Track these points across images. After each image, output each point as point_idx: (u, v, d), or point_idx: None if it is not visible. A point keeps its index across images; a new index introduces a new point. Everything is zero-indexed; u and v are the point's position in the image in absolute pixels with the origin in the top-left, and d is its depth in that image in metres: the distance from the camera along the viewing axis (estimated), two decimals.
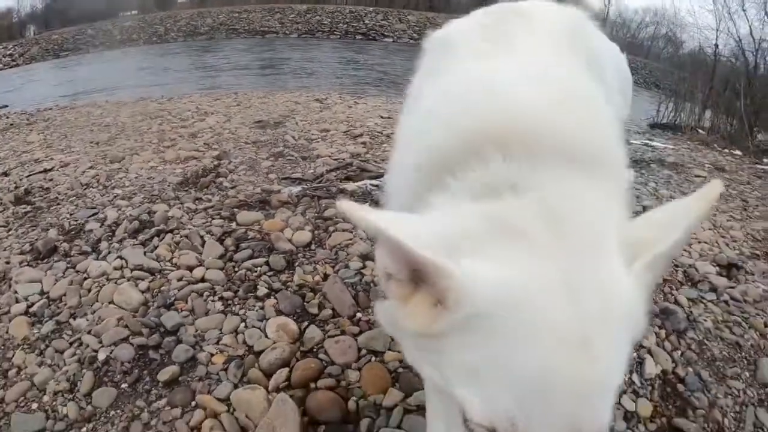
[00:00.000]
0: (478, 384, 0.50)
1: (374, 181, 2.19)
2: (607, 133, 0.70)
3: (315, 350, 1.22)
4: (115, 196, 2.22)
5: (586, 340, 0.47)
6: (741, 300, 1.77)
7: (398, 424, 1.05)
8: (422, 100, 0.80)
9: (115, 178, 2.46)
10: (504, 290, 0.47)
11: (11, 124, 4.53)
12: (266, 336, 1.26)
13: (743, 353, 1.47)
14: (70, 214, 2.13)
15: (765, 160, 4.76)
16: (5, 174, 2.93)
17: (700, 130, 6.29)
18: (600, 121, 0.71)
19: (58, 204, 2.31)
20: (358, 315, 1.36)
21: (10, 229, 2.13)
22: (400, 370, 1.16)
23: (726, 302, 1.71)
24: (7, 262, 1.81)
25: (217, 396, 1.09)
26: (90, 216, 2.05)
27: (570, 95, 0.69)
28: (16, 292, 1.61)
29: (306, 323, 1.31)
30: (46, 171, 2.87)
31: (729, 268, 2.01)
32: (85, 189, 2.41)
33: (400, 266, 0.52)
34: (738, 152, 4.95)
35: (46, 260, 1.79)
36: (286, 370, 1.14)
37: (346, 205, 0.48)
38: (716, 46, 7.20)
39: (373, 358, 1.20)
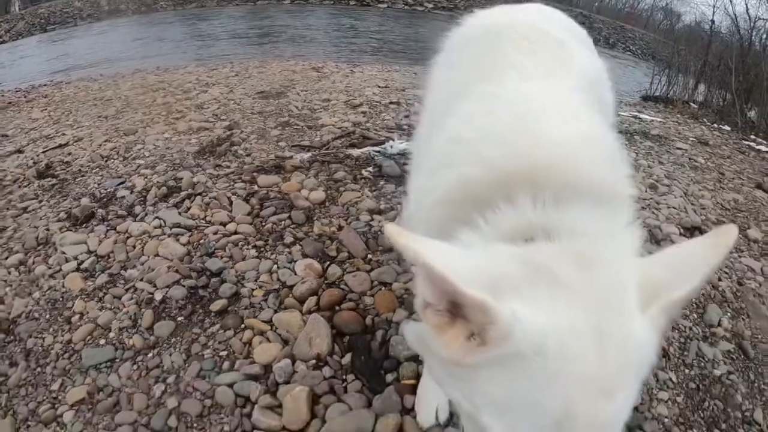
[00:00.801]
0: (503, 415, 0.54)
1: (376, 148, 2.44)
2: (620, 166, 0.74)
3: (337, 283, 1.51)
4: (138, 166, 2.46)
5: (608, 389, 0.51)
6: None
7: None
8: (452, 120, 0.78)
9: (134, 150, 2.69)
10: (542, 336, 0.51)
11: (9, 102, 4.65)
12: (295, 273, 1.54)
13: (695, 300, 1.76)
14: (98, 184, 2.37)
15: (752, 136, 4.98)
16: (19, 151, 3.12)
17: (693, 104, 6.46)
18: (615, 157, 0.74)
19: (83, 176, 2.54)
20: (369, 256, 1.64)
21: (41, 201, 2.36)
22: (405, 295, 1.46)
23: None
24: (47, 229, 2.05)
25: (261, 319, 1.38)
26: (118, 185, 2.29)
27: (593, 134, 0.73)
28: (63, 252, 1.86)
29: (327, 263, 1.59)
30: (61, 146, 3.07)
31: (692, 231, 2.30)
32: (106, 161, 2.64)
33: (441, 298, 0.54)
34: (726, 127, 5.13)
35: (85, 225, 2.04)
36: (315, 297, 1.43)
37: (392, 230, 0.51)
38: (712, 21, 7.31)
39: (383, 288, 1.49)
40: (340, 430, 1.08)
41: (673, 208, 2.40)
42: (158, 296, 1.51)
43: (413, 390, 1.17)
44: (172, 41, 6.41)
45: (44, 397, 1.32)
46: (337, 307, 1.40)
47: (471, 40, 0.97)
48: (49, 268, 1.78)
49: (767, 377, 1.52)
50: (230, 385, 1.21)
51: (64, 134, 3.27)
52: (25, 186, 2.55)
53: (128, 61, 6.01)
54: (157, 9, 8.20)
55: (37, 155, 2.95)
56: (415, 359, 1.24)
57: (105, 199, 2.18)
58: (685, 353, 1.54)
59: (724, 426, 1.34)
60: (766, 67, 6.03)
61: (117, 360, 1.36)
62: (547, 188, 0.61)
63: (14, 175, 2.71)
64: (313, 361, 1.24)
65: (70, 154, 2.87)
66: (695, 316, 1.69)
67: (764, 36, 6.76)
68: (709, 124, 5.10)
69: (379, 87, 3.60)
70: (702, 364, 1.50)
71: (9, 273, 1.82)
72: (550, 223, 0.60)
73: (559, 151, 0.65)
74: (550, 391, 0.51)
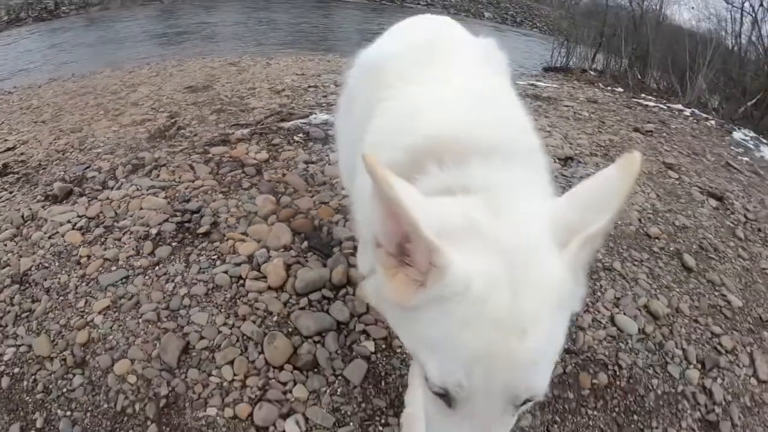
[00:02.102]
0: (436, 353, 0.63)
1: (302, 120, 2.99)
2: (522, 128, 0.89)
3: (289, 205, 2.07)
4: (97, 154, 2.80)
5: (521, 328, 0.59)
6: (569, 176, 2.83)
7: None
8: (371, 130, 0.93)
9: (88, 142, 3.01)
10: (468, 279, 0.59)
11: None
12: (256, 205, 2.08)
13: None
14: (64, 171, 2.68)
15: (642, 95, 5.91)
16: None
17: (591, 72, 7.40)
18: (514, 119, 0.90)
19: (45, 168, 2.82)
20: (309, 189, 2.22)
21: (11, 192, 2.62)
22: (339, 207, 2.05)
23: (556, 178, 2.72)
24: (30, 209, 2.38)
25: (239, 232, 1.91)
26: (85, 169, 2.63)
27: (486, 104, 0.89)
28: (54, 220, 2.23)
29: (279, 196, 2.14)
30: (9, 149, 3.27)
31: (566, 160, 3.08)
32: (64, 154, 2.93)
33: (391, 239, 0.64)
34: (620, 89, 5.86)
35: (65, 201, 2.40)
36: (274, 215, 1.99)
37: (372, 160, 0.58)
38: None
39: (323, 204, 2.08)
40: (308, 279, 1.66)
41: (551, 146, 3.14)
42: (153, 231, 1.97)
43: (353, 254, 1.78)
44: (83, 47, 6.37)
45: (72, 314, 1.73)
46: (291, 219, 1.97)
47: (375, 68, 1.09)
48: (45, 233, 2.14)
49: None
50: (225, 272, 1.74)
51: (6, 140, 3.44)
52: None
53: (39, 71, 5.95)
54: (59, 15, 7.95)
55: None
56: (351, 239, 1.85)
57: (77, 180, 2.53)
58: None
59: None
60: (651, 35, 7.06)
61: (130, 276, 1.81)
62: (448, 155, 0.74)
63: None
64: (282, 249, 1.80)
65: (22, 154, 3.10)
66: None
67: (653, 7, 7.82)
68: (603, 87, 5.81)
69: (296, 75, 4.11)
70: None
71: (6, 245, 2.16)
72: (461, 180, 0.71)
73: (455, 127, 0.79)
74: (469, 331, 0.59)
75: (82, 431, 1.38)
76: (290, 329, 1.52)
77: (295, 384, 1.38)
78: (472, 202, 0.66)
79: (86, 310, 1.71)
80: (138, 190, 2.27)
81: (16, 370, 1.59)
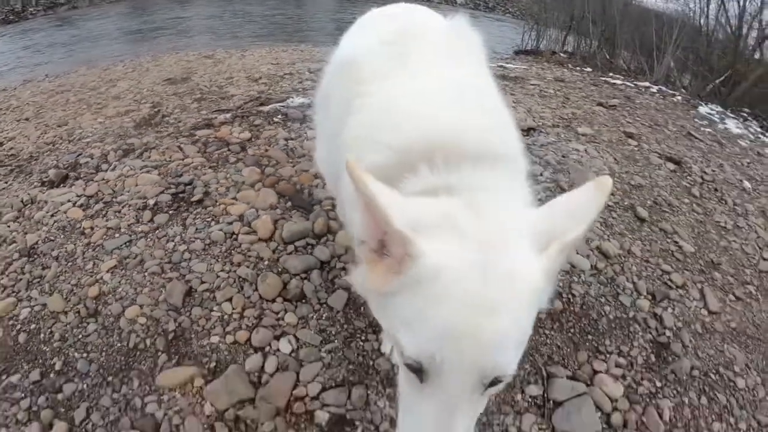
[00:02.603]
0: (410, 330, 0.74)
1: (280, 104, 3.28)
2: (507, 132, 0.99)
3: (272, 174, 2.36)
4: (87, 143, 3.06)
5: (489, 309, 0.70)
6: (531, 144, 3.15)
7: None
8: (349, 128, 1.00)
9: (76, 134, 3.26)
10: (438, 264, 0.71)
11: None
12: (243, 176, 2.36)
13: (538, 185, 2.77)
14: (57, 160, 2.92)
15: (610, 74, 6.27)
16: None
17: (561, 54, 7.78)
18: (502, 123, 1.00)
19: (37, 159, 3.06)
20: (290, 161, 2.51)
21: (7, 182, 2.84)
22: (318, 174, 2.35)
23: (528, 147, 3.03)
24: (28, 194, 2.63)
25: (229, 197, 2.19)
26: (77, 156, 2.90)
27: (472, 105, 0.96)
28: (53, 201, 2.49)
29: (263, 167, 2.43)
30: (2, 144, 3.52)
31: (528, 131, 3.41)
32: (54, 145, 3.18)
33: (373, 237, 0.76)
34: (588, 69, 6.22)
35: (62, 185, 2.65)
36: (260, 183, 2.28)
37: (353, 164, 0.69)
38: None
39: (304, 172, 2.38)
40: (293, 230, 1.95)
41: (516, 119, 3.47)
42: (150, 202, 2.24)
43: (332, 209, 2.07)
44: (56, 47, 6.57)
45: (81, 275, 1.99)
46: (276, 185, 2.26)
47: (350, 66, 1.15)
48: (47, 212, 2.39)
49: None
50: (219, 230, 2.02)
51: None
52: None
53: (12, 73, 6.14)
54: (26, 17, 8.12)
55: None
56: (330, 198, 2.14)
57: (71, 167, 2.78)
58: None
59: None
60: (619, 16, 7.41)
61: (133, 240, 2.08)
62: (440, 160, 0.83)
63: None
64: (269, 208, 2.09)
65: (12, 149, 3.33)
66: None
67: None
68: (572, 68, 6.17)
69: (272, 64, 4.40)
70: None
71: (9, 225, 2.40)
72: (448, 182, 0.80)
73: (442, 128, 0.87)
74: (440, 309, 0.70)
75: (99, 368, 1.64)
76: (280, 269, 1.81)
77: (286, 312, 1.67)
78: (455, 202, 0.77)
79: (95, 271, 1.98)
80: (132, 170, 2.54)
81: (33, 326, 1.84)
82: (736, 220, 3.02)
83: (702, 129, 4.48)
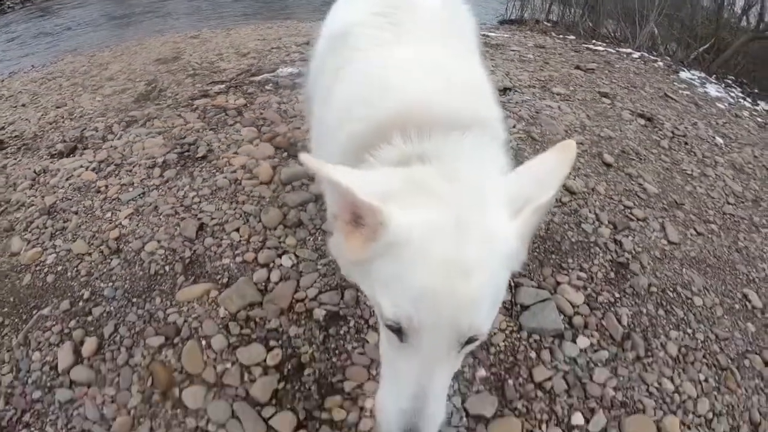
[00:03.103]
0: (388, 292, 0.84)
1: (270, 74, 3.65)
2: (483, 98, 1.10)
3: (268, 132, 2.74)
4: (89, 119, 3.41)
5: (464, 270, 0.78)
6: (506, 102, 3.52)
7: None
8: (334, 97, 1.13)
9: (76, 112, 3.61)
10: (409, 227, 0.80)
11: None
12: (241, 135, 2.73)
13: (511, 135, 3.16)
14: (62, 135, 3.27)
15: (593, 41, 6.51)
16: None
17: (546, 23, 8.08)
18: (476, 91, 1.11)
19: (41, 137, 3.39)
20: (284, 120, 2.89)
21: (17, 158, 3.19)
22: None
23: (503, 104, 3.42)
24: (39, 165, 2.98)
25: (231, 152, 2.56)
26: (81, 130, 3.25)
27: (448, 75, 1.06)
28: (66, 168, 2.84)
29: (260, 127, 2.81)
30: (3, 127, 3.86)
31: (504, 90, 3.77)
32: (56, 124, 3.52)
33: (345, 210, 0.86)
34: (572, 36, 6.55)
35: (72, 155, 3.01)
36: (257, 139, 2.65)
37: (306, 159, 0.79)
38: None
39: (297, 129, 2.75)
40: (290, 173, 2.34)
41: (492, 81, 3.85)
42: (159, 161, 2.61)
43: None
44: (41, 37, 6.89)
45: (101, 223, 2.32)
46: (272, 140, 2.63)
47: (340, 36, 1.28)
48: (61, 177, 2.74)
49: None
50: (224, 178, 2.39)
51: None
52: None
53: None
54: (4, 10, 8.44)
55: None
56: None
57: (77, 139, 3.13)
58: None
59: None
60: None
61: (146, 192, 2.44)
62: (413, 129, 0.93)
63: None
64: (267, 158, 2.47)
65: (14, 131, 3.66)
66: None
67: None
68: (555, 35, 6.52)
69: (259, 40, 4.75)
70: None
71: (26, 192, 2.75)
72: (420, 151, 0.90)
73: (416, 98, 0.98)
74: (418, 269, 0.80)
75: (124, 292, 1.99)
76: (280, 204, 2.19)
77: (286, 236, 2.05)
78: (426, 169, 0.87)
79: (113, 218, 2.33)
80: (137, 137, 2.90)
81: (59, 268, 2.18)
82: (703, 169, 3.41)
83: (680, 92, 4.87)
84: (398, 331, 0.85)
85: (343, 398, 1.55)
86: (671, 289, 2.32)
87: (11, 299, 2.03)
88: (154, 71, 4.15)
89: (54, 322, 1.91)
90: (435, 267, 0.79)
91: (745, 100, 5.59)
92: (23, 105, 4.26)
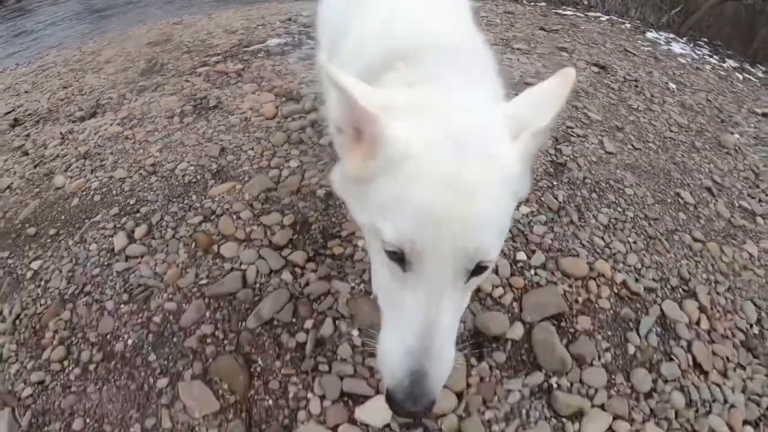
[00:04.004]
0: (389, 216, 0.92)
1: (260, 45, 4.62)
2: (469, 31, 1.45)
3: (266, 86, 3.70)
4: (100, 92, 4.32)
5: (466, 189, 0.85)
6: None
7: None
8: (354, 30, 1.42)
9: (86, 89, 4.52)
10: (407, 143, 0.91)
11: None
12: (244, 90, 3.69)
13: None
14: (78, 107, 4.18)
15: (563, 7, 7.39)
16: None
17: None
18: (462, 24, 1.49)
19: (56, 111, 4.30)
20: (279, 77, 3.86)
21: (38, 128, 4.07)
22: (302, 84, 3.70)
23: None
24: (64, 129, 3.91)
25: (238, 101, 3.52)
26: (96, 100, 4.18)
27: (445, 13, 1.43)
28: (92, 126, 3.76)
29: (259, 82, 3.77)
30: (10, 112, 4.75)
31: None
32: (68, 100, 4.41)
33: (348, 123, 1.00)
34: (543, 3, 7.46)
35: (93, 118, 3.94)
36: (258, 91, 3.61)
37: (323, 60, 0.97)
38: None
39: (291, 83, 3.72)
40: (290, 109, 3.28)
41: None
42: (177, 111, 3.56)
43: (316, 99, 3.42)
44: (23, 36, 7.81)
45: (136, 156, 3.20)
46: (271, 90, 3.60)
47: None
48: (89, 133, 3.66)
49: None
50: (235, 118, 3.34)
51: (5, 105, 4.90)
52: (8, 132, 4.26)
53: None
54: None
55: None
56: (315, 93, 3.49)
57: (95, 107, 4.06)
58: None
59: None
60: None
61: (170, 133, 3.37)
62: (411, 56, 1.15)
63: None
64: (269, 102, 3.43)
65: (26, 110, 4.54)
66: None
67: None
68: (526, 3, 7.43)
69: (243, 21, 5.67)
70: None
71: (57, 147, 3.66)
72: (421, 75, 1.10)
73: (418, 34, 1.25)
74: (419, 188, 0.89)
75: (165, 196, 2.86)
76: (283, 130, 3.14)
77: (291, 151, 2.98)
78: (427, 91, 1.02)
79: (146, 153, 3.23)
80: (152, 98, 3.85)
81: (104, 190, 3.06)
82: (650, 105, 4.38)
83: (641, 48, 5.88)
84: (401, 259, 0.93)
85: (341, 240, 2.45)
86: (605, 182, 3.15)
87: (62, 217, 2.85)
88: (149, 52, 5.10)
89: (106, 223, 2.70)
90: (436, 184, 0.87)
91: (711, 57, 6.58)
92: (26, 92, 5.15)
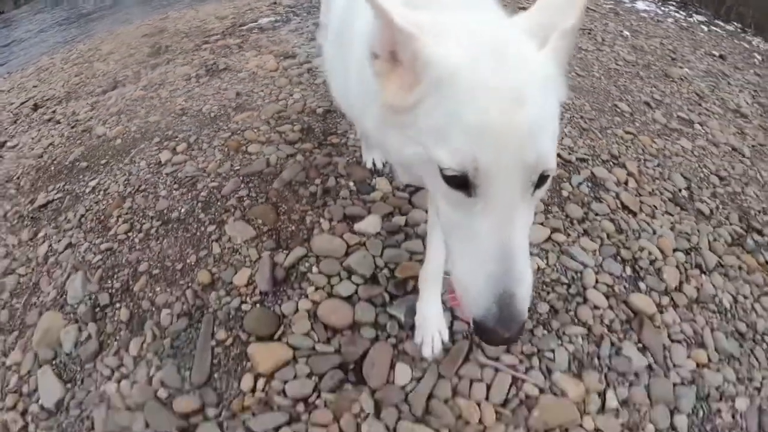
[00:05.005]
0: (445, 140, 1.01)
1: (253, 24, 5.94)
2: None
3: (266, 51, 5.02)
4: (114, 74, 5.54)
5: (515, 98, 0.97)
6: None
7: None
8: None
9: (98, 74, 5.73)
10: (453, 62, 1.02)
11: None
12: (247, 57, 4.99)
13: None
14: (96, 86, 5.41)
15: None
16: None
17: None
18: None
19: (75, 93, 5.45)
20: (276, 45, 5.17)
21: (62, 106, 5.30)
22: (295, 47, 5.02)
23: None
24: (89, 101, 5.16)
25: (244, 62, 4.82)
26: (113, 78, 5.42)
27: None
28: (115, 95, 5.01)
29: (259, 50, 5.08)
30: (24, 102, 6.00)
31: None
32: (83, 84, 5.60)
33: (384, 47, 1.11)
34: None
35: (114, 90, 5.19)
36: (260, 55, 4.92)
37: None
38: None
39: (286, 48, 5.05)
40: (289, 62, 4.57)
41: None
42: (192, 75, 4.84)
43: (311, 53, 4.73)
44: (13, 45, 9.06)
45: (166, 106, 4.42)
46: (271, 53, 4.91)
47: None
48: (116, 100, 4.88)
49: None
50: (244, 74, 4.63)
51: (12, 102, 6.09)
52: (32, 114, 5.45)
53: None
54: None
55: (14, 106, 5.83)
56: (312, 48, 4.80)
57: (114, 83, 5.29)
58: None
59: None
60: None
61: (190, 90, 4.59)
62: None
63: (10, 117, 5.59)
64: (272, 59, 4.73)
65: (44, 96, 5.73)
66: None
67: None
68: None
69: (230, 9, 6.87)
70: None
71: (88, 113, 4.89)
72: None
73: None
74: (469, 105, 0.99)
75: (197, 126, 4.00)
76: (286, 77, 4.42)
77: (293, 89, 4.25)
78: (445, 12, 1.18)
79: (173, 104, 4.38)
80: (167, 69, 5.12)
81: (143, 130, 4.23)
82: (599, 47, 5.70)
83: (603, 5, 7.22)
84: (464, 184, 1.03)
85: (337, 135, 3.63)
86: None
87: (109, 152, 3.94)
88: (149, 41, 6.39)
89: (150, 149, 3.80)
90: (488, 97, 0.99)
91: (677, 13, 7.89)
92: (34, 86, 6.28)
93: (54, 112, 5.10)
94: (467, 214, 1.07)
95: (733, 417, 2.43)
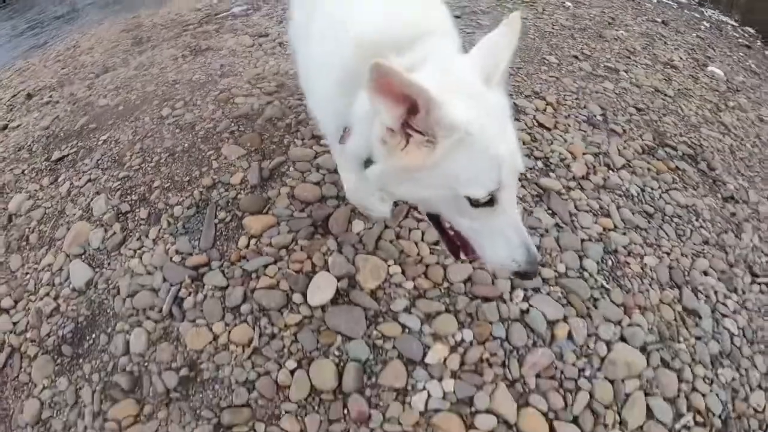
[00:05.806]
0: (477, 178, 1.58)
1: (226, 12, 7.25)
2: (445, 17, 2.02)
3: (241, 32, 6.35)
4: (102, 62, 6.69)
5: (504, 129, 1.67)
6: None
7: None
8: (317, 33, 2.08)
9: (86, 64, 6.81)
10: (467, 120, 1.51)
11: None
12: (225, 38, 6.32)
13: None
14: (88, 74, 6.61)
15: None
16: None
17: None
18: (440, 11, 2.03)
19: (69, 81, 6.56)
20: (250, 27, 6.50)
21: (58, 91, 6.48)
22: (265, 33, 6.35)
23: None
24: (85, 84, 6.38)
25: (222, 42, 6.14)
26: (102, 65, 6.60)
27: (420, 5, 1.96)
28: (109, 76, 6.23)
29: (235, 32, 6.41)
30: (15, 95, 7.19)
31: None
32: (74, 74, 6.70)
33: (397, 118, 1.51)
34: None
35: (105, 74, 6.42)
36: (236, 36, 6.25)
37: (386, 63, 1.31)
38: None
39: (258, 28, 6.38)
40: (263, 40, 5.89)
41: None
42: (178, 55, 6.08)
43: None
44: None
45: (159, 80, 5.59)
46: (246, 34, 6.24)
47: None
48: (111, 80, 6.03)
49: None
50: (225, 50, 5.94)
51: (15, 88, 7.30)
52: (25, 103, 6.50)
53: None
54: None
55: (5, 100, 7.05)
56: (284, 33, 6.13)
57: (104, 69, 6.48)
58: None
59: None
60: None
61: (179, 66, 5.85)
62: (401, 45, 1.71)
63: (4, 108, 6.69)
64: (248, 39, 6.05)
65: (35, 87, 6.69)
66: None
67: None
68: None
69: (203, 2, 8.08)
70: None
71: (86, 92, 6.12)
72: (416, 58, 1.68)
73: (401, 22, 1.80)
74: (488, 149, 1.56)
75: (189, 91, 5.27)
76: (262, 51, 5.77)
77: (268, 60, 5.54)
78: (427, 70, 1.61)
79: (164, 78, 5.62)
80: (153, 54, 6.34)
81: (142, 98, 5.41)
82: (539, 16, 6.86)
83: None
84: (490, 201, 1.62)
85: None
86: None
87: (114, 116, 4.77)
88: (128, 35, 7.59)
89: (152, 109, 4.83)
90: (495, 139, 1.58)
91: None
92: (21, 82, 7.27)
93: (51, 96, 6.02)
94: (492, 217, 1.69)
95: (642, 269, 3.18)
